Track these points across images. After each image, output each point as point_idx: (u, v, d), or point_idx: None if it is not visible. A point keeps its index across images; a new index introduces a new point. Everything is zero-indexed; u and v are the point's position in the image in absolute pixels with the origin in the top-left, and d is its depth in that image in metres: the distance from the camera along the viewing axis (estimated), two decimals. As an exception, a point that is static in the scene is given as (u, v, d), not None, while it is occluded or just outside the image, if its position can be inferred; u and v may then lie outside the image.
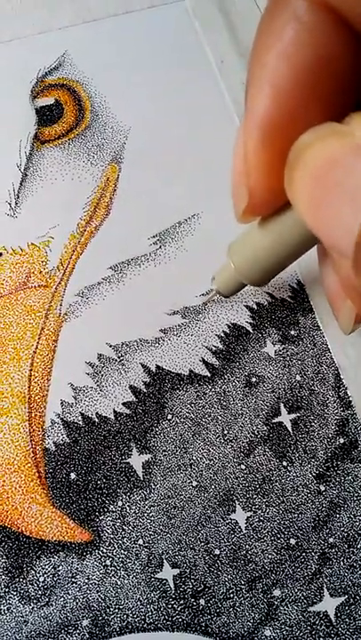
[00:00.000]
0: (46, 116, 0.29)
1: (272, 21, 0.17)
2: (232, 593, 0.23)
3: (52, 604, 0.23)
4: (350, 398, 0.25)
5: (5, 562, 0.23)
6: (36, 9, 0.31)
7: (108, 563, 0.23)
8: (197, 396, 0.25)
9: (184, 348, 0.26)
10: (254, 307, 0.26)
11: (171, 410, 0.25)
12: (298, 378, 0.26)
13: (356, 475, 0.25)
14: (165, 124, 0.29)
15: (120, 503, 0.24)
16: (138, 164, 0.28)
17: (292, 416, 0.25)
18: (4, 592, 0.23)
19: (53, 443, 0.24)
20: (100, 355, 0.25)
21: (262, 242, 0.21)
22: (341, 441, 0.25)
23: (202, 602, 0.23)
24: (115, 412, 0.25)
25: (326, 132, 0.16)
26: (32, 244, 0.27)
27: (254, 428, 0.25)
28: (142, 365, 0.25)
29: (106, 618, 0.23)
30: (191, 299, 0.26)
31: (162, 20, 0.31)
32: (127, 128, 0.29)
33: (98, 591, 0.23)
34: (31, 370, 0.25)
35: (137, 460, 0.24)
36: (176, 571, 0.23)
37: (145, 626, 0.23)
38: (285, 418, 0.25)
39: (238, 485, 0.24)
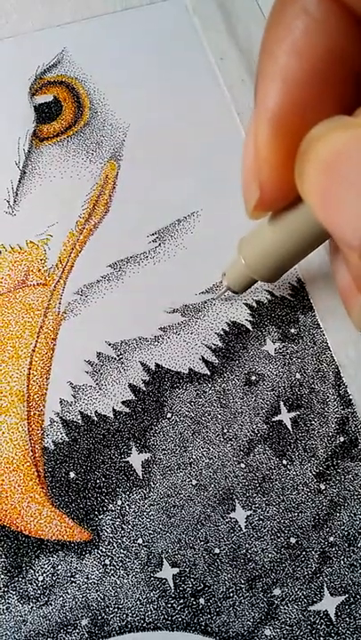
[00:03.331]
0: (45, 113, 0.29)
1: (281, 15, 0.17)
2: (232, 592, 0.23)
3: (51, 604, 0.23)
4: (351, 396, 0.25)
5: (4, 561, 0.23)
6: (35, 6, 0.31)
7: (107, 562, 0.23)
8: (197, 394, 0.25)
9: (184, 347, 0.26)
10: (254, 305, 0.26)
11: (170, 408, 0.25)
12: (298, 376, 0.25)
13: (356, 473, 0.24)
14: (165, 121, 0.29)
15: (119, 502, 0.24)
16: (137, 161, 0.28)
17: (292, 414, 0.25)
18: (3, 591, 0.23)
19: (52, 442, 0.24)
20: (100, 353, 0.25)
21: (273, 237, 0.21)
22: (342, 439, 0.25)
23: (202, 601, 0.23)
24: (114, 410, 0.25)
25: (336, 125, 0.16)
26: (31, 242, 0.27)
27: (254, 427, 0.25)
28: (142, 364, 0.25)
29: (105, 617, 0.23)
30: (191, 296, 0.26)
31: (161, 16, 0.31)
32: (126, 125, 0.29)
33: (97, 590, 0.23)
34: (30, 368, 0.25)
35: (136, 459, 0.24)
36: (176, 570, 0.23)
37: (144, 625, 0.23)
38: (285, 416, 0.25)
39: (238, 484, 0.24)
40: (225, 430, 0.25)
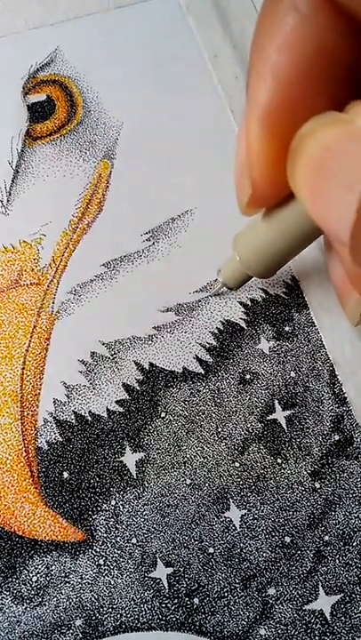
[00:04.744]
0: (38, 112, 0.28)
1: (272, 12, 0.17)
2: (226, 592, 0.23)
3: (45, 604, 0.23)
4: (345, 395, 0.25)
5: (-2, 562, 0.23)
6: (28, 4, 0.30)
7: (101, 562, 0.23)
8: (191, 393, 0.25)
9: (177, 346, 0.25)
10: (248, 303, 0.26)
11: (164, 408, 0.25)
12: (292, 374, 0.25)
13: (351, 472, 0.24)
14: (158, 120, 0.29)
15: (113, 502, 0.24)
16: (130, 160, 0.28)
17: (287, 413, 0.25)
18: (-3, 592, 0.23)
19: (46, 442, 0.24)
20: (93, 353, 0.25)
21: (267, 234, 0.21)
22: (336, 438, 0.25)
23: (196, 601, 0.23)
24: (108, 410, 0.25)
25: (326, 121, 0.16)
26: (24, 241, 0.26)
27: (248, 426, 0.25)
28: (135, 363, 0.25)
29: (99, 617, 0.22)
30: (185, 295, 0.26)
31: (154, 14, 0.31)
32: (119, 124, 0.29)
33: (91, 591, 0.23)
34: (23, 368, 0.25)
35: (130, 459, 0.24)
36: (170, 569, 0.23)
37: (139, 625, 0.22)
38: (280, 415, 0.25)
39: (233, 483, 0.24)
40: (219, 429, 0.25)
